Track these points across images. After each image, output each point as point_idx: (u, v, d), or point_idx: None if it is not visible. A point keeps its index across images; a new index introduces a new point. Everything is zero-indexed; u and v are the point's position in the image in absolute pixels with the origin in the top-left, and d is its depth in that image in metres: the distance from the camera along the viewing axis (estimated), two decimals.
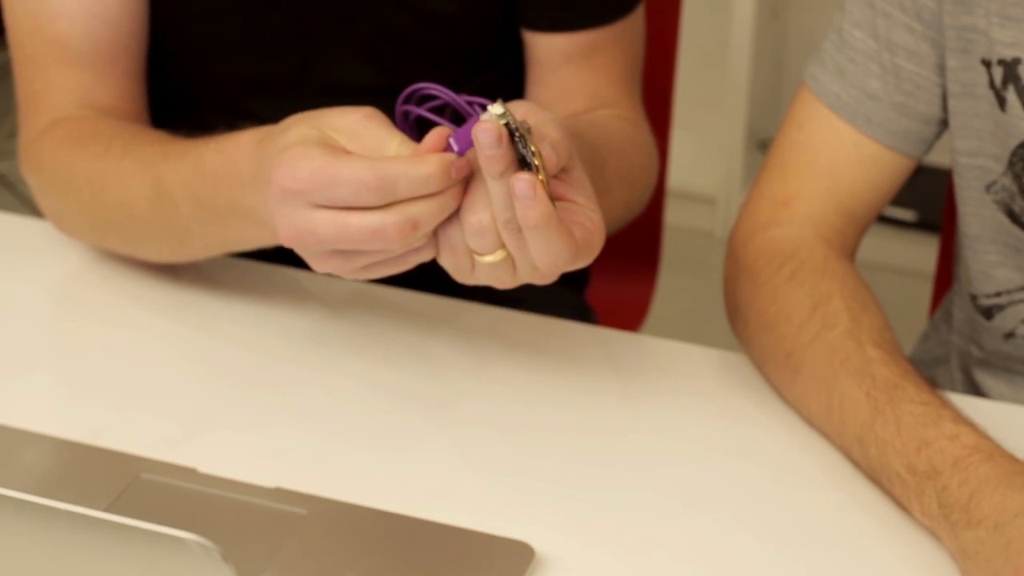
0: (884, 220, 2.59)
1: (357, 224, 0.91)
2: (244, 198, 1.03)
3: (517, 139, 0.89)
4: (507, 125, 0.88)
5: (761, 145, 2.94)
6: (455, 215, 0.93)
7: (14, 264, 1.24)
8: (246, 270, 1.21)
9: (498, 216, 0.90)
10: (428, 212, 0.91)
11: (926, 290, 1.55)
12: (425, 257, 0.95)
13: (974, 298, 1.20)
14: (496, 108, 0.89)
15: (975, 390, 1.25)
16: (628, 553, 0.96)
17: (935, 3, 1.11)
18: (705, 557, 0.96)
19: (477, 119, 0.90)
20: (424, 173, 0.90)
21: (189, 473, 0.99)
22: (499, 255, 0.92)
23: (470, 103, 0.95)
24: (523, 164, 0.89)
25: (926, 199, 2.63)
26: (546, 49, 1.27)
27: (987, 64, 1.09)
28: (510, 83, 1.32)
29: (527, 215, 0.88)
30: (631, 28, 1.29)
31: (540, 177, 0.89)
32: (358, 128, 0.95)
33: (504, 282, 0.94)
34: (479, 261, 0.93)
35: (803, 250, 1.13)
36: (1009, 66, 1.08)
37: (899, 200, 1.25)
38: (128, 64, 1.23)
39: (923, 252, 2.33)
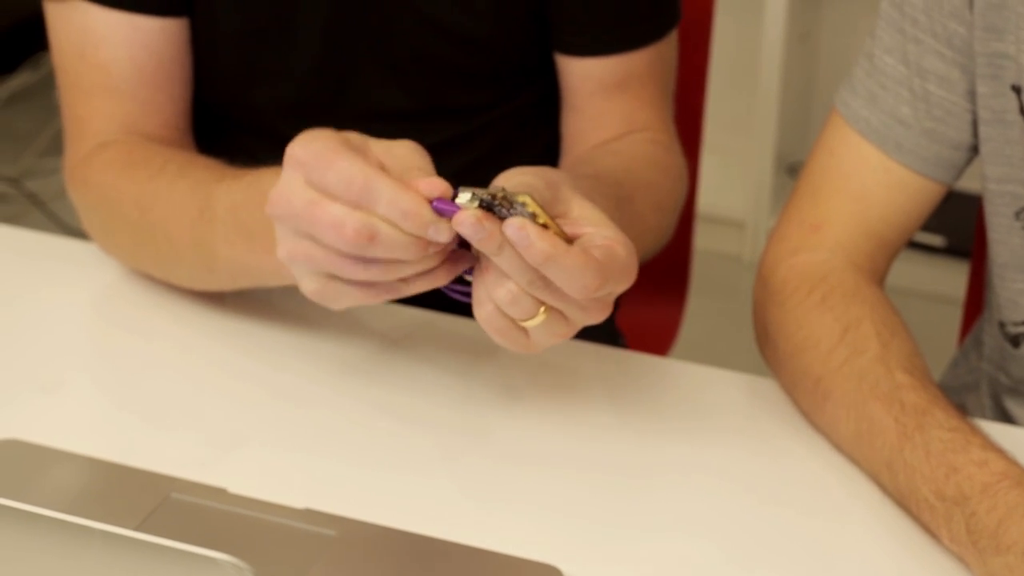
0: (913, 245, 2.58)
1: (324, 208, 0.92)
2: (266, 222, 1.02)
3: (498, 208, 0.88)
4: (482, 203, 0.88)
5: (790, 169, 2.94)
6: (489, 304, 0.93)
7: (45, 282, 1.24)
8: (282, 293, 1.22)
9: (521, 283, 0.90)
10: (391, 237, 0.91)
11: (955, 316, 1.54)
12: (381, 298, 0.96)
13: (1002, 325, 1.20)
14: (463, 196, 0.89)
15: (1005, 417, 1.25)
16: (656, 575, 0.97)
17: (966, 29, 1.11)
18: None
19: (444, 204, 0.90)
20: (405, 207, 0.91)
21: (219, 493, 0.99)
22: (542, 314, 0.93)
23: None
24: None
25: (956, 225, 2.63)
26: (580, 74, 1.27)
27: (1017, 90, 1.09)
28: (542, 106, 1.33)
29: (532, 254, 0.88)
30: (665, 51, 1.29)
31: (540, 220, 0.89)
32: (401, 151, 0.96)
33: (564, 334, 0.94)
34: (530, 327, 0.93)
35: (833, 275, 1.13)
36: None
37: (928, 225, 1.25)
38: (173, 91, 1.24)
39: (952, 278, 2.33)
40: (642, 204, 1.16)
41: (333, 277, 0.96)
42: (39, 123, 3.00)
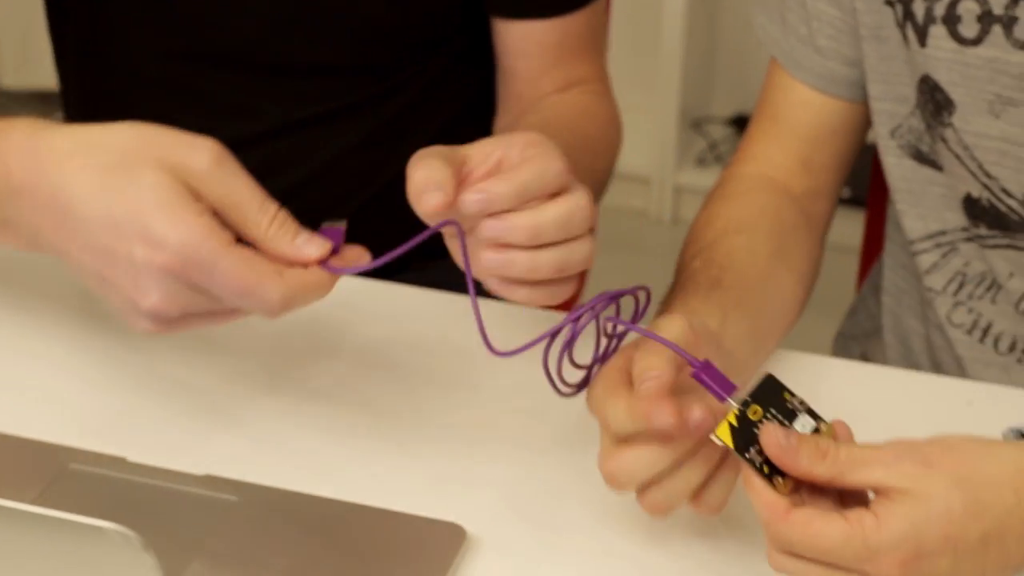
0: None
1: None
2: (6, 204, 0.92)
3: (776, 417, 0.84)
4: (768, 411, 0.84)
5: (695, 124, 2.95)
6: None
7: None
8: None
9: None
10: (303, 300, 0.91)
11: (854, 264, 1.56)
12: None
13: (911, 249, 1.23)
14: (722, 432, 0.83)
15: (918, 362, 1.25)
16: (558, 534, 0.96)
17: None
18: (638, 534, 0.96)
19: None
20: (307, 287, 0.90)
21: (118, 462, 0.98)
22: None
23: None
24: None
25: (863, 175, 2.65)
26: (519, 36, 1.26)
27: (892, 4, 1.12)
28: (465, 63, 1.32)
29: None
30: (601, 7, 1.29)
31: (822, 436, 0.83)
32: (210, 175, 0.88)
33: None
34: None
35: (734, 180, 1.19)
36: (905, 3, 1.11)
37: None
38: None
39: (853, 228, 2.35)
40: (589, 152, 1.17)
41: (193, 315, 0.92)
42: None
